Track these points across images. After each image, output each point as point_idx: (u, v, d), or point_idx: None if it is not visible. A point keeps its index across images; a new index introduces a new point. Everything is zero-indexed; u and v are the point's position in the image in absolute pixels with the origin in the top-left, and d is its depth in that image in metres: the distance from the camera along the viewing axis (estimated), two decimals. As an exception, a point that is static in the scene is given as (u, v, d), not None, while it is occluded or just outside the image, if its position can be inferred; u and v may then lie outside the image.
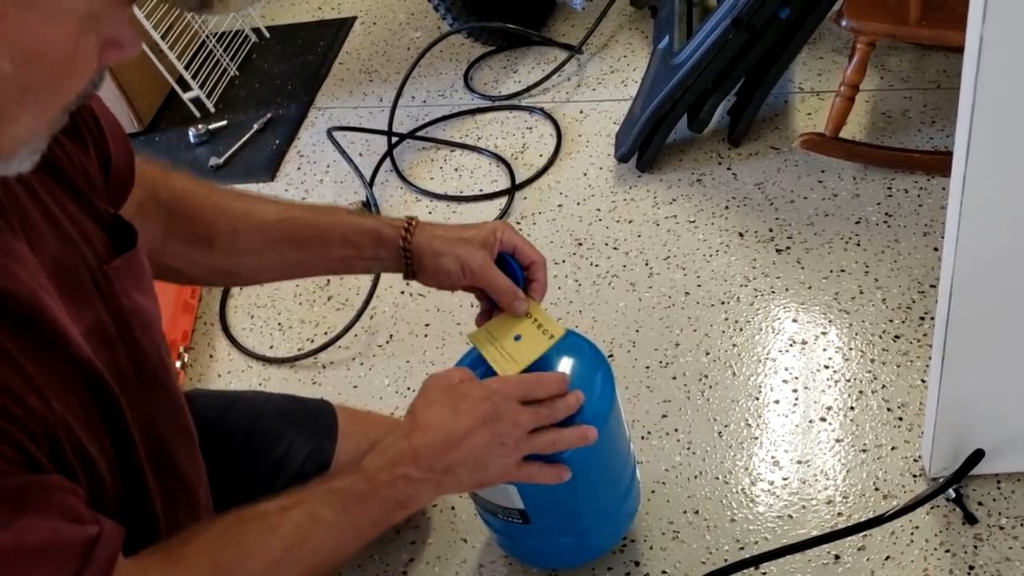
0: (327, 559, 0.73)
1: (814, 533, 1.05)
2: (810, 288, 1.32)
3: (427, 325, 1.41)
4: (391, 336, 1.41)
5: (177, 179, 0.89)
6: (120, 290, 0.70)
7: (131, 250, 0.72)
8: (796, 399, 1.19)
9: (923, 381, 1.17)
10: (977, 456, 0.97)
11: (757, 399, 1.20)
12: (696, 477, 1.14)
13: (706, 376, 1.24)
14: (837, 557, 1.03)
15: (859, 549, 1.03)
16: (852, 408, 1.16)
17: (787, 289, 1.32)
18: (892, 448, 1.11)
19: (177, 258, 0.89)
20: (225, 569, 0.68)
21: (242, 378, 1.40)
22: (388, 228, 0.89)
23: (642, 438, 1.19)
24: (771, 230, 1.41)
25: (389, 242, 0.89)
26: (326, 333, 1.44)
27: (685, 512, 1.11)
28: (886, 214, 1.39)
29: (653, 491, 1.13)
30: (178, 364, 1.37)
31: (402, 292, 1.47)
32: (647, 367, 1.27)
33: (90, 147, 0.72)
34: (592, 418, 0.89)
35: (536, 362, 0.90)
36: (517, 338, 0.90)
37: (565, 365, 0.93)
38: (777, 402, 1.19)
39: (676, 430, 1.19)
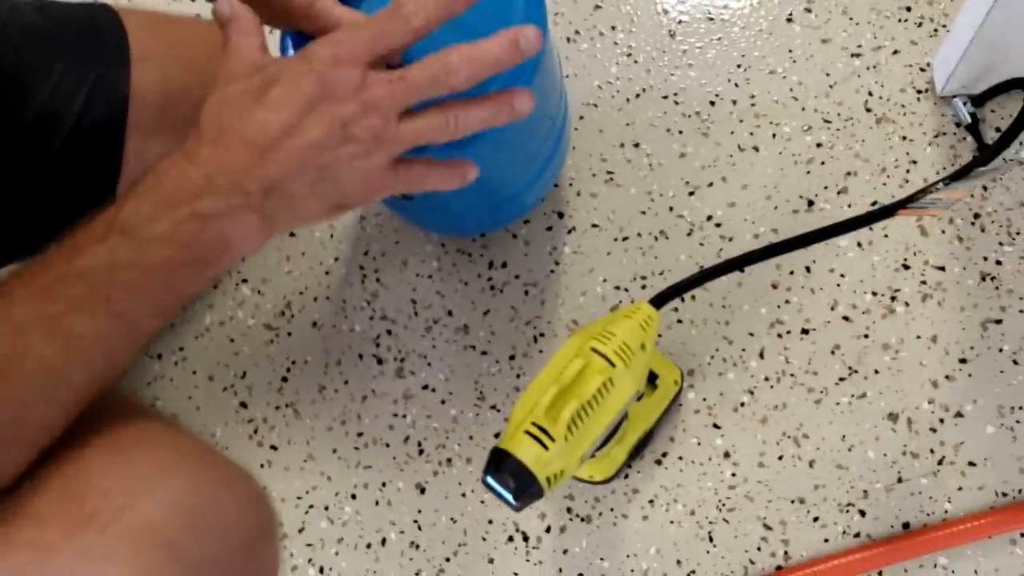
0: (91, 393, 0.47)
1: (786, 168, 0.83)
2: None
3: None
4: None
5: None
6: None
7: None
8: (774, -19, 0.88)
9: (945, -48, 0.87)
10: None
11: (722, -19, 0.89)
12: (638, 96, 0.87)
13: (655, -54, 0.91)
14: (810, 203, 0.81)
15: (839, 193, 0.81)
16: (846, -7, 0.87)
17: None
18: (894, 52, 0.85)
19: None
20: None
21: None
22: None
23: (567, 40, 0.89)
24: None
25: None
26: None
27: (622, 145, 0.86)
28: None
29: (581, 117, 0.87)
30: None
31: None
32: (574, -67, 0.92)
33: None
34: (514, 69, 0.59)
35: None
36: None
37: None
38: (748, -14, 0.88)
39: (613, 28, 0.89)
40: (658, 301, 0.60)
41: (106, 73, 0.68)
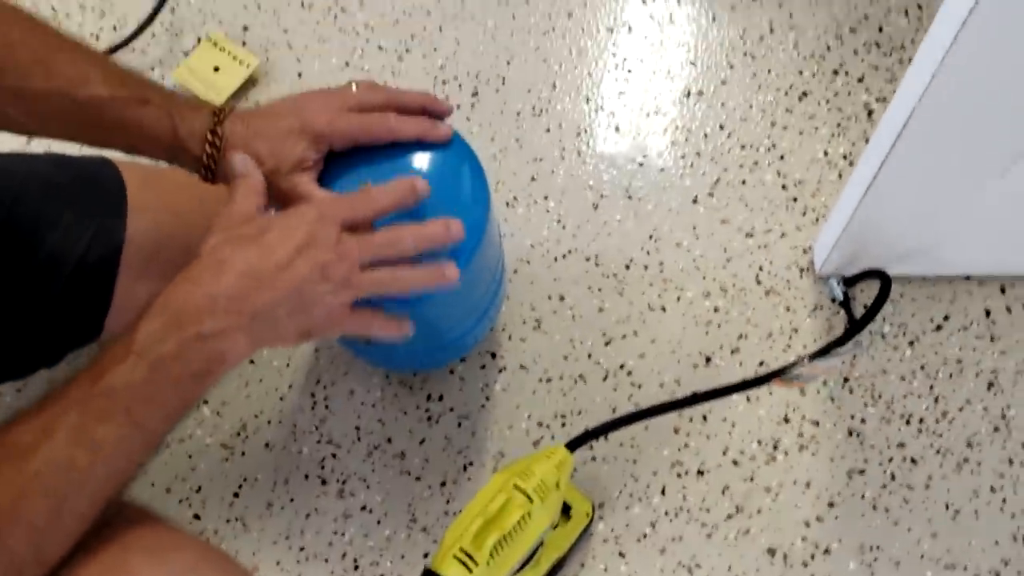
0: (116, 487, 0.56)
1: (688, 327, 0.96)
2: (714, 20, 1.10)
3: (246, 29, 1.13)
4: (199, 40, 1.12)
5: None
6: None
7: None
8: (684, 167, 1.03)
9: (825, 154, 1.03)
10: (886, 284, 0.86)
11: (641, 164, 1.04)
12: (565, 256, 1.00)
13: (585, 130, 1.05)
14: (708, 360, 0.95)
15: (732, 352, 0.95)
16: (744, 182, 1.02)
17: (689, 19, 1.11)
18: (781, 235, 1.00)
19: None
20: None
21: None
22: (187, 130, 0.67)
23: (507, 204, 1.02)
24: (676, -68, 1.15)
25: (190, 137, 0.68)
26: (115, 27, 1.14)
27: (550, 298, 0.98)
28: (813, -76, 1.15)
29: (516, 270, 0.99)
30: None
31: (213, -23, 1.16)
32: (518, 113, 1.06)
33: None
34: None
35: (379, 162, 0.71)
36: (216, 69, 1.07)
37: (411, 160, 0.72)
38: (663, 170, 1.03)
39: (546, 197, 1.03)
40: (572, 445, 0.71)
41: (106, 221, 0.79)
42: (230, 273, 0.58)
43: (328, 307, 0.62)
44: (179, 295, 0.58)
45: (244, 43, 1.11)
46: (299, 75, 1.09)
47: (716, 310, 0.97)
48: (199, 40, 1.12)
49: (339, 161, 0.70)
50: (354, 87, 0.71)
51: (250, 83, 1.09)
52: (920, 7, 1.09)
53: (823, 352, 0.74)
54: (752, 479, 0.89)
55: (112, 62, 0.67)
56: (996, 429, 0.90)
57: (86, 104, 0.64)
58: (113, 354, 0.56)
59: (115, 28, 1.13)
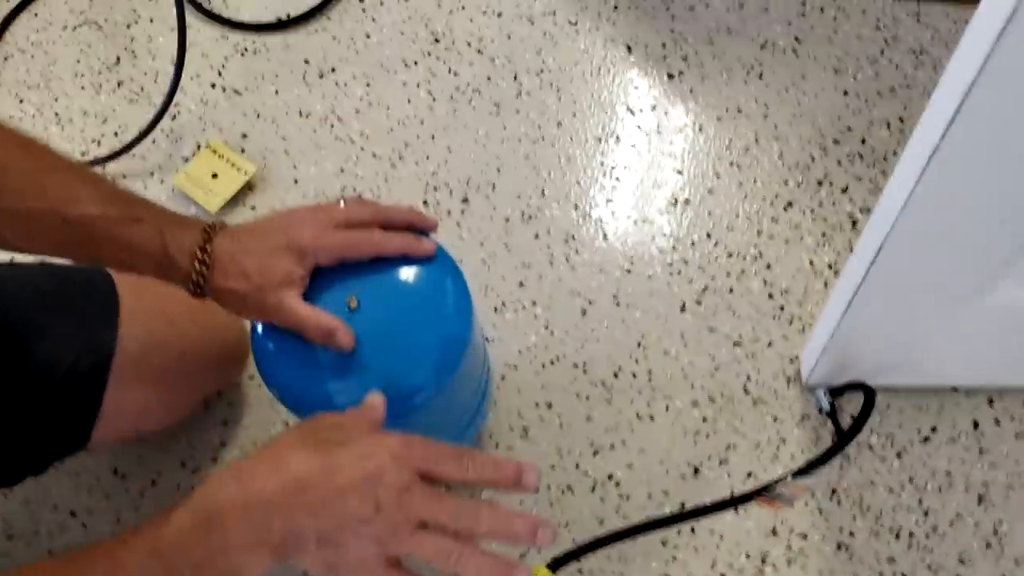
0: None
1: (676, 437, 0.96)
2: (701, 130, 1.13)
3: (244, 136, 1.15)
4: (199, 146, 1.15)
5: None
6: None
7: None
8: (671, 275, 1.04)
9: (811, 263, 1.04)
10: (870, 398, 0.86)
11: (629, 271, 1.05)
12: (552, 363, 1.00)
13: (573, 237, 1.07)
14: (696, 470, 0.94)
15: (720, 463, 0.94)
16: (731, 291, 1.03)
17: (676, 130, 1.13)
18: (768, 343, 1.00)
19: None
20: None
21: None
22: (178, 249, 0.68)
23: (495, 310, 1.03)
24: (664, 45, 1.19)
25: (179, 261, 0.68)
26: (116, 133, 1.16)
27: (537, 405, 0.98)
28: (795, 39, 1.19)
29: (503, 376, 0.99)
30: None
31: (213, 85, 1.19)
32: (506, 219, 1.08)
33: None
34: (443, 345, 0.72)
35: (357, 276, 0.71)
36: (215, 176, 1.10)
37: (396, 274, 0.73)
38: (650, 277, 1.04)
39: (534, 303, 1.04)
40: (554, 565, 0.71)
41: (97, 330, 0.79)
42: (282, 478, 0.54)
43: (363, 555, 0.55)
44: (219, 489, 0.55)
45: (243, 150, 1.14)
46: (295, 181, 1.11)
47: (704, 420, 0.97)
48: (199, 147, 1.14)
49: (326, 275, 0.72)
50: (342, 203, 0.73)
51: (247, 188, 1.11)
52: (902, 119, 1.12)
53: (805, 471, 0.74)
54: (740, 594, 0.88)
55: (105, 181, 0.69)
56: (988, 545, 0.89)
57: (77, 223, 0.65)
58: (132, 548, 0.54)
59: (116, 134, 1.16)
